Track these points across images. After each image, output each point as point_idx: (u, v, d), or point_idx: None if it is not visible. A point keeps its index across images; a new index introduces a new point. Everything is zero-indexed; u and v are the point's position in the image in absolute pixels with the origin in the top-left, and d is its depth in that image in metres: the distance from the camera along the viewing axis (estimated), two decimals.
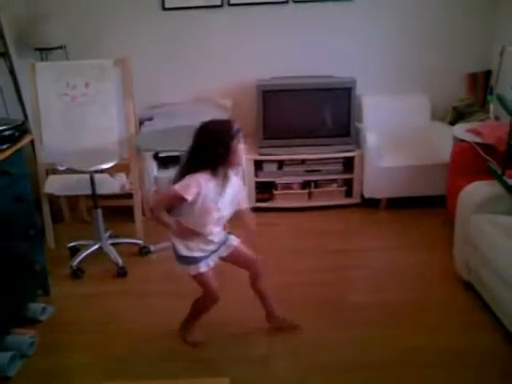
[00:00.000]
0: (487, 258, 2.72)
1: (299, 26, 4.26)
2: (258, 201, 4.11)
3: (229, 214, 2.46)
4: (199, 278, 2.50)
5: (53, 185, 3.59)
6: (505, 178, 2.90)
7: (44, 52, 3.97)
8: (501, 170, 2.95)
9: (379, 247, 3.61)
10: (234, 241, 2.58)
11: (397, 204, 4.07)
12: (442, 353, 2.55)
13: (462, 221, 3.02)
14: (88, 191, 3.40)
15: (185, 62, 4.31)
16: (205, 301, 2.60)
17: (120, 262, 3.35)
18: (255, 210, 3.76)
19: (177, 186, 2.31)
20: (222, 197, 2.38)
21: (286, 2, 4.21)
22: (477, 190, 3.00)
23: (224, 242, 2.56)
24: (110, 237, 3.61)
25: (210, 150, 2.31)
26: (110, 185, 3.52)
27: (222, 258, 2.58)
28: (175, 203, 2.37)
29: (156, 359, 2.58)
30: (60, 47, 3.98)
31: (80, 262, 3.37)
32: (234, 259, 2.60)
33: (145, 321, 2.88)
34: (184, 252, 2.47)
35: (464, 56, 4.33)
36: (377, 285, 3.16)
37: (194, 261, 2.47)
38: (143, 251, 3.57)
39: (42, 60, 3.96)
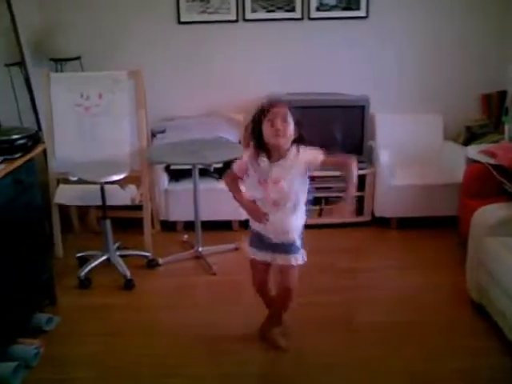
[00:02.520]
0: (500, 282, 2.67)
1: (313, 43, 4.27)
2: None
3: (286, 198, 2.37)
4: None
5: (63, 194, 3.59)
6: None
7: (59, 62, 4.00)
8: None
9: (389, 267, 3.56)
10: (294, 260, 2.48)
11: (408, 223, 4.03)
12: (450, 376, 2.50)
13: (474, 243, 2.97)
14: (98, 202, 3.40)
15: (198, 76, 4.32)
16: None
17: (128, 274, 3.33)
18: None
19: (234, 164, 2.46)
20: (270, 175, 2.35)
21: (301, 19, 4.23)
22: (490, 213, 2.96)
23: (285, 249, 2.47)
24: (119, 248, 3.60)
25: (250, 126, 2.38)
26: (120, 196, 3.51)
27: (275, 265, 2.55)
28: (237, 180, 2.48)
29: (160, 375, 2.54)
30: (75, 58, 4.01)
31: (88, 272, 3.36)
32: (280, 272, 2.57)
33: (150, 335, 2.85)
34: (252, 225, 2.53)
35: (479, 76, 4.31)
36: (386, 305, 3.11)
37: (251, 242, 2.54)
38: (151, 264, 3.55)
39: (56, 70, 4.00)
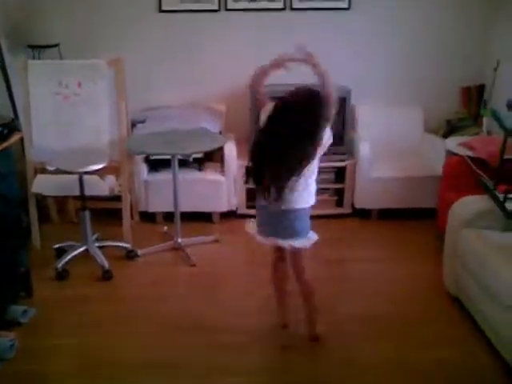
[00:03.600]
0: (475, 274, 2.71)
1: (295, 33, 4.23)
2: (248, 207, 4.08)
3: None
4: None
5: (41, 184, 3.54)
6: (496, 192, 2.89)
7: (37, 49, 3.93)
8: (493, 184, 2.95)
9: (368, 258, 3.59)
10: (297, 243, 2.49)
11: (388, 215, 4.05)
12: (426, 366, 2.54)
13: (451, 235, 3.00)
14: (76, 192, 3.36)
15: (180, 66, 4.28)
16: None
17: (106, 265, 3.30)
18: (245, 216, 3.76)
19: None
20: None
21: (283, 9, 4.21)
22: (467, 205, 2.99)
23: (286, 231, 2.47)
24: (97, 239, 3.56)
25: None
26: (99, 187, 3.47)
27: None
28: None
29: (137, 366, 2.54)
30: (53, 45, 3.93)
31: (65, 263, 3.32)
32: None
33: (128, 326, 2.84)
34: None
35: (459, 69, 4.33)
36: (364, 296, 3.13)
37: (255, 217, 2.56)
38: (130, 255, 3.53)
39: (34, 58, 3.92)
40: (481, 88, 4.28)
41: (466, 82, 4.33)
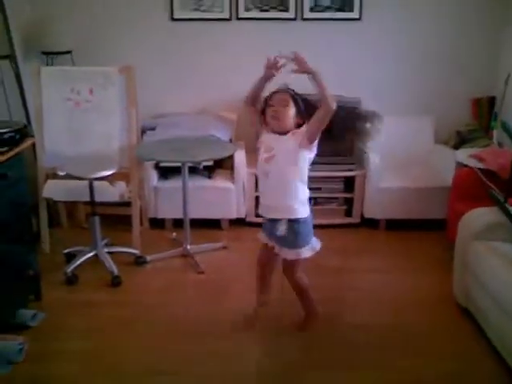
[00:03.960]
0: (486, 286, 2.69)
1: (306, 44, 4.22)
2: (257, 216, 4.08)
3: (279, 177, 2.50)
4: None
5: (51, 189, 3.56)
6: (507, 205, 2.88)
7: (50, 56, 3.98)
8: (503, 197, 2.93)
9: (377, 268, 3.57)
10: (288, 254, 2.60)
11: (397, 226, 4.04)
12: (433, 378, 2.51)
13: (461, 247, 2.99)
14: (87, 198, 3.38)
15: (191, 73, 4.31)
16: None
17: (115, 270, 3.32)
18: (254, 225, 3.77)
19: None
20: (269, 151, 2.49)
21: (295, 19, 4.23)
22: (478, 217, 2.98)
23: (279, 237, 2.58)
24: (107, 245, 3.58)
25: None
26: (109, 193, 3.48)
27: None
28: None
29: (145, 372, 2.53)
30: (66, 52, 3.98)
31: (75, 268, 3.33)
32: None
33: (136, 332, 2.84)
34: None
35: (469, 81, 4.33)
36: (372, 307, 3.11)
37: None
38: (139, 261, 3.54)
39: (47, 64, 3.97)
40: (491, 100, 4.27)
41: (476, 94, 4.32)
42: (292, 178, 2.51)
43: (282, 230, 2.54)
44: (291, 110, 2.46)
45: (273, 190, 2.56)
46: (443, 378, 2.52)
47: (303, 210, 2.56)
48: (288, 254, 2.60)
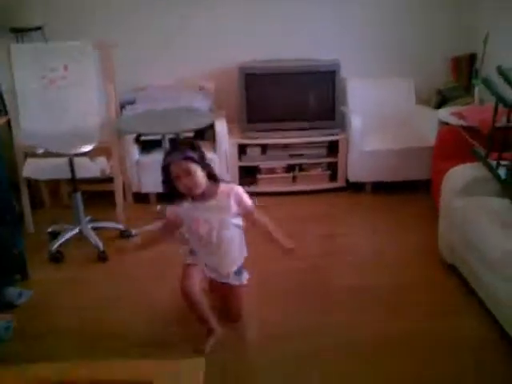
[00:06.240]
0: (471, 241, 2.71)
1: (282, 8, 4.19)
2: (240, 185, 4.05)
3: (219, 239, 2.41)
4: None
5: (31, 168, 3.50)
6: (489, 160, 2.89)
7: (20, 34, 3.85)
8: (485, 152, 2.94)
9: (363, 231, 3.59)
10: (238, 281, 2.53)
11: (382, 188, 4.05)
12: (423, 335, 2.54)
13: (445, 204, 3.00)
14: (68, 175, 3.33)
15: (168, 45, 4.20)
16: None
17: (101, 246, 3.29)
18: None
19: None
20: (201, 217, 2.38)
21: None
22: (460, 173, 2.99)
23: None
24: (91, 221, 3.54)
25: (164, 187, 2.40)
26: (89, 168, 3.43)
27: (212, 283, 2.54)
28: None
29: (135, 348, 2.52)
30: (37, 28, 3.87)
31: (60, 246, 3.31)
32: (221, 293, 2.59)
33: (125, 306, 2.83)
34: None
35: (449, 39, 4.28)
36: (360, 269, 3.13)
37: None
38: (124, 235, 3.51)
39: (17, 41, 3.85)
40: (471, 57, 4.24)
41: (455, 52, 4.28)
42: (232, 240, 2.46)
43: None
44: (198, 172, 2.30)
45: (215, 255, 2.48)
46: (431, 333, 2.55)
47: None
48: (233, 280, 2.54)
